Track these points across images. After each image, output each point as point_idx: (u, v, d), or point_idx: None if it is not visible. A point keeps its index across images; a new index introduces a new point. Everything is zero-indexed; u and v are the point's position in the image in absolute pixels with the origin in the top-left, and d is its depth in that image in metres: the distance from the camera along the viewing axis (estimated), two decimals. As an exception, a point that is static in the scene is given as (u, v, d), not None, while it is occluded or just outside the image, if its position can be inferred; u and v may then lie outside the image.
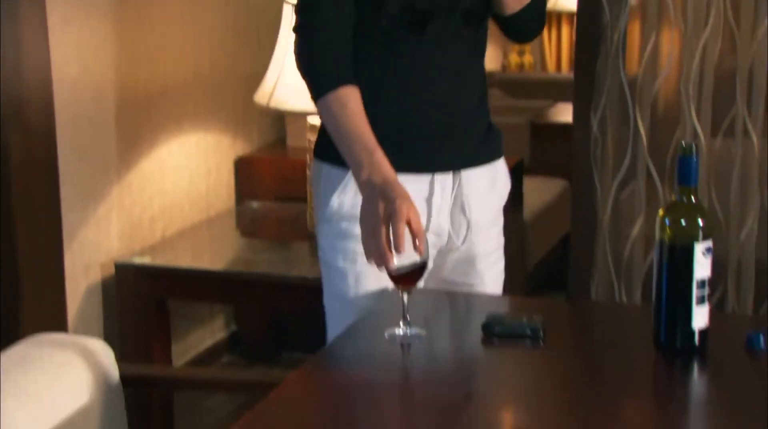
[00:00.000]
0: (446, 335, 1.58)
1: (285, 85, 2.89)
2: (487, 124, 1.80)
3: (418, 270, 1.53)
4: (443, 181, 1.75)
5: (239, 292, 2.78)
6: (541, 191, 3.79)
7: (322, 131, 1.76)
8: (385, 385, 1.47)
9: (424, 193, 1.73)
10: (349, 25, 1.68)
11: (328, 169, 1.74)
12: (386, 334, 1.56)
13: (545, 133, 4.00)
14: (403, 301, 1.54)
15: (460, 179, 1.76)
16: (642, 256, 2.42)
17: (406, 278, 1.54)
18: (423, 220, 1.67)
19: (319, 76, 1.67)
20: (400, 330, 1.55)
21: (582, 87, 2.41)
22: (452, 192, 1.76)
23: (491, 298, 1.82)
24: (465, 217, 1.78)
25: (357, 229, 1.63)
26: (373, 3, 1.68)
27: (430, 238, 1.72)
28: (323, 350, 1.56)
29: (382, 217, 1.50)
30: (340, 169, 1.71)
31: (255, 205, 3.27)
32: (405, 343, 1.54)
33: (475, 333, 1.56)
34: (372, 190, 1.55)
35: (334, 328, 1.74)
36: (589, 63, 2.39)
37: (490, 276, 1.84)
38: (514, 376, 1.51)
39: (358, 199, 1.63)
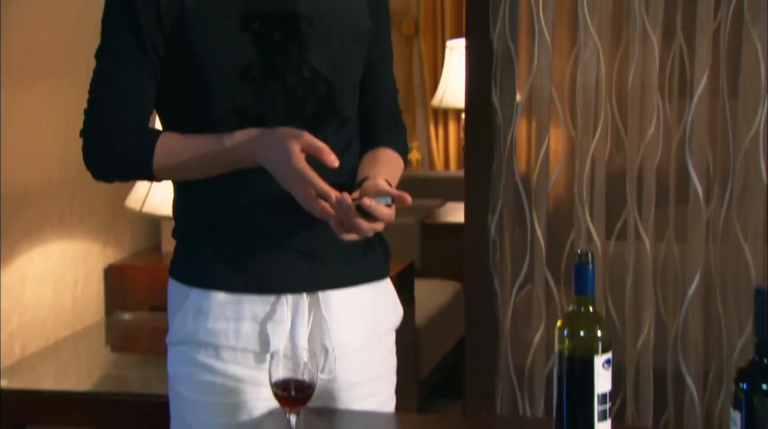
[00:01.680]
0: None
1: (160, 190, 2.86)
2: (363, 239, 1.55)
3: (305, 391, 1.52)
4: (295, 303, 1.60)
5: (109, 414, 2.67)
6: (433, 294, 3.81)
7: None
8: None
9: (267, 315, 1.59)
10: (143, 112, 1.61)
11: (173, 286, 1.68)
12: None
13: (436, 233, 4.04)
14: (290, 424, 1.53)
15: (318, 301, 1.62)
16: (543, 364, 2.45)
17: (293, 400, 1.53)
18: (257, 346, 1.59)
19: (135, 149, 1.60)
20: (288, 456, 1.52)
21: (474, 189, 2.46)
22: (309, 316, 1.61)
23: (382, 416, 1.79)
24: (325, 344, 1.62)
25: (198, 355, 1.62)
26: (197, 100, 1.57)
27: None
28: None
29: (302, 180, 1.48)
30: (182, 285, 1.65)
31: (127, 316, 3.18)
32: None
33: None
34: (277, 167, 1.51)
35: None
36: (481, 164, 2.45)
37: (359, 409, 1.69)
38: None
39: (198, 323, 1.62)
